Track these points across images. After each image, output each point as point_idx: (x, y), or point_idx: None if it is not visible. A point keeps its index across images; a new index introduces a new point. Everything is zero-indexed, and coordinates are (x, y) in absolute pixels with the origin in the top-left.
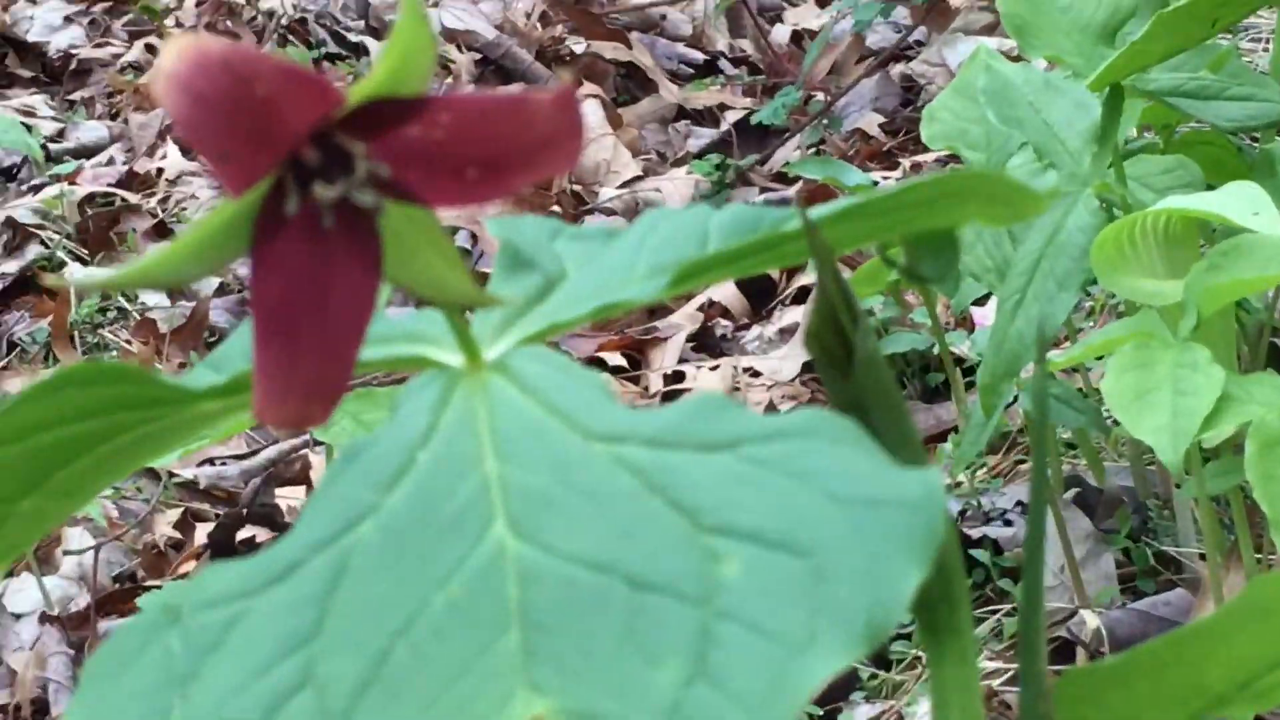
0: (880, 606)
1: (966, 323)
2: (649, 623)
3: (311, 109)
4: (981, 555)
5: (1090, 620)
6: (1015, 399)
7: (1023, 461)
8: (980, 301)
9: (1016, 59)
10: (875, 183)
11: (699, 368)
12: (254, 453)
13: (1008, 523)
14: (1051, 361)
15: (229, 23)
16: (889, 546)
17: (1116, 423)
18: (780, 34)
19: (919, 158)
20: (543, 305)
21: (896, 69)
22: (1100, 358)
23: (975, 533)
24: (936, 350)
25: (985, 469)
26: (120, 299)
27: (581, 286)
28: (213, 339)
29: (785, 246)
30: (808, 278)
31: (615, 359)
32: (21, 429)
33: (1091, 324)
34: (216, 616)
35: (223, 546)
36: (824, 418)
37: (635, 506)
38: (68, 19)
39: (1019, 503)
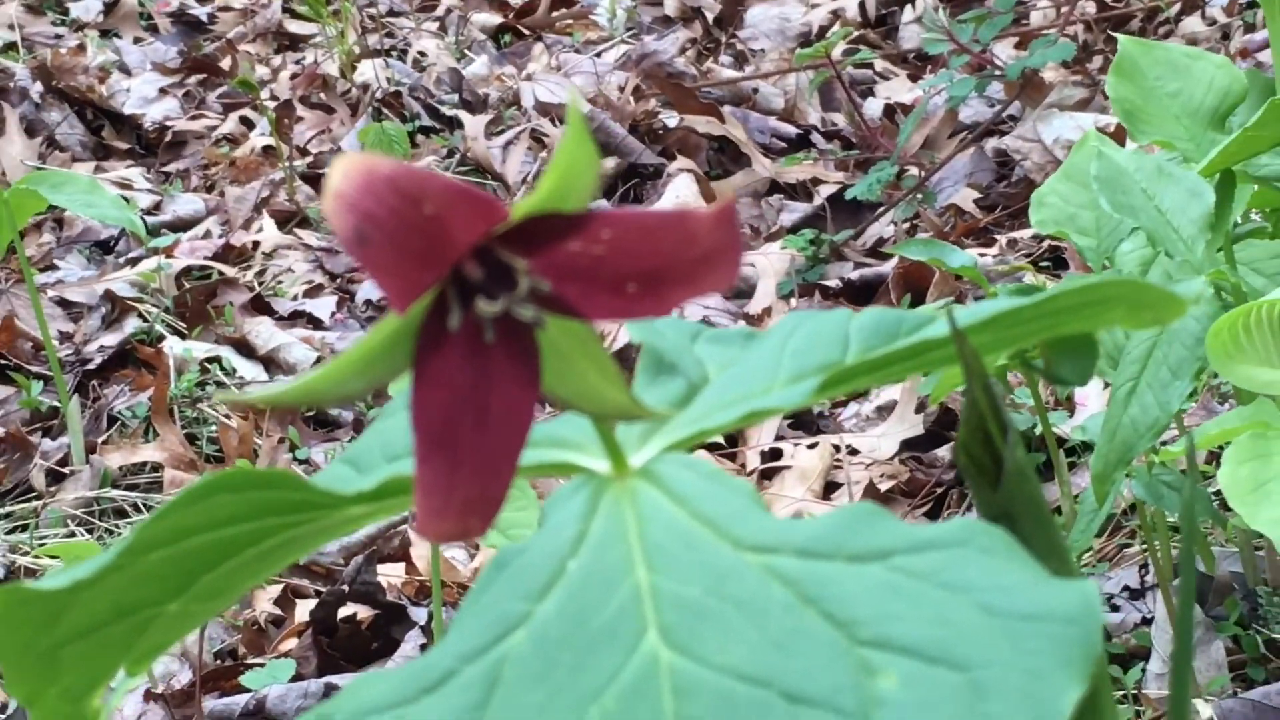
0: None
1: (1068, 403)
2: None
3: (476, 225)
4: None
5: (1204, 710)
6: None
7: (1127, 545)
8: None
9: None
10: (975, 263)
11: (796, 445)
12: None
13: (1114, 608)
14: (1165, 451)
15: (323, 95)
16: (1047, 661)
17: (1228, 509)
18: (872, 108)
19: (1016, 234)
20: (687, 411)
21: (990, 144)
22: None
23: None
24: (1038, 430)
25: (1090, 552)
26: (221, 374)
27: (725, 391)
28: (310, 414)
29: (930, 353)
30: None
31: (713, 437)
32: (173, 533)
33: (1193, 405)
34: None
35: (324, 624)
36: (975, 528)
37: (789, 618)
38: (162, 91)
39: (1125, 587)
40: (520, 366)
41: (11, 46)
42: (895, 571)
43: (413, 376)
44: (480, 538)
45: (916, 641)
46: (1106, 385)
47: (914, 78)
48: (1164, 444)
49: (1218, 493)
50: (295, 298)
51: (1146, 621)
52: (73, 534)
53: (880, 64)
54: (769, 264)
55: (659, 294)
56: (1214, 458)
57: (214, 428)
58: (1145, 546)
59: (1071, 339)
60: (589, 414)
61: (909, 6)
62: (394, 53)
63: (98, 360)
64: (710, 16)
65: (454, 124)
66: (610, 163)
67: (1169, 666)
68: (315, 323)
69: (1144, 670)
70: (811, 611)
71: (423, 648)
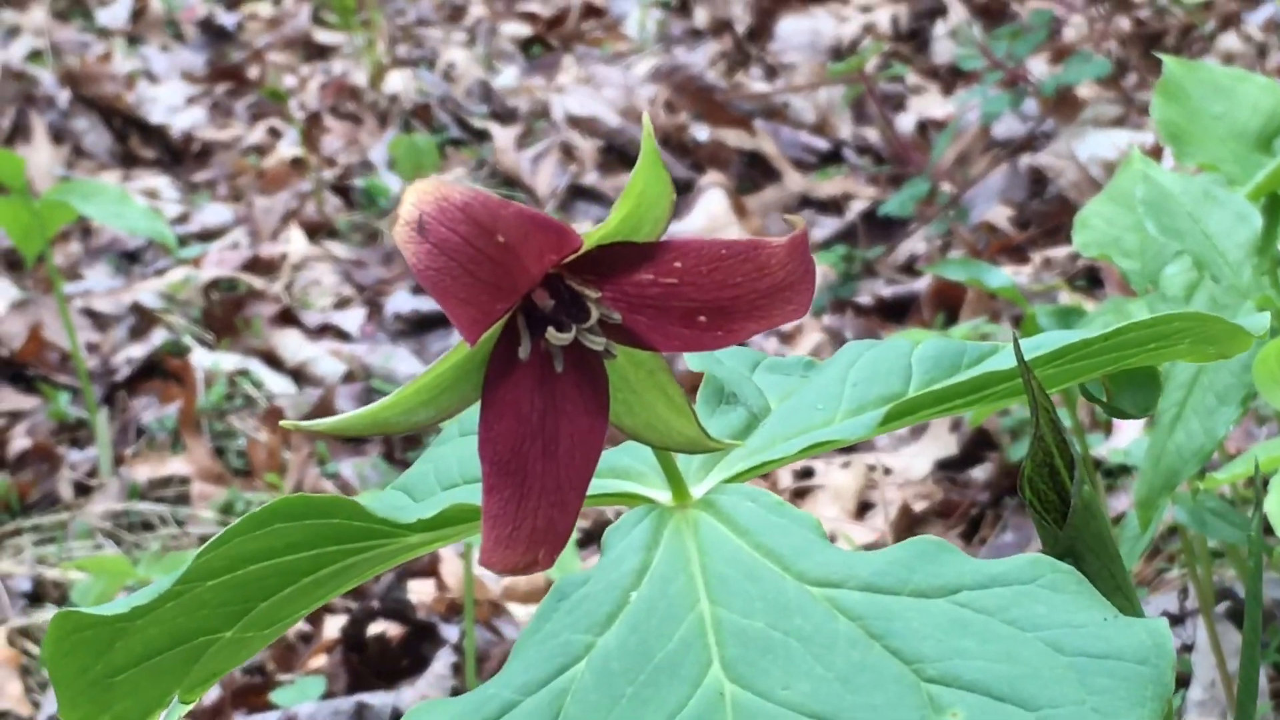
0: None
1: (1105, 425)
2: None
3: (549, 254)
4: None
5: None
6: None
7: (1166, 570)
8: None
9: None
10: (1012, 283)
11: (829, 464)
12: None
13: None
14: (1210, 478)
15: (351, 106)
16: (1118, 701)
17: (1271, 534)
18: (905, 123)
19: (1050, 252)
20: (749, 442)
21: (1024, 160)
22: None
23: None
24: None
25: (1130, 576)
26: (249, 387)
27: (786, 422)
28: None
29: (994, 386)
30: None
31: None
32: (231, 561)
33: (1233, 427)
34: None
35: (354, 641)
36: (1043, 564)
37: (854, 653)
38: (190, 99)
39: (1165, 612)
40: (590, 396)
41: (39, 54)
42: (962, 607)
43: (482, 405)
44: (546, 569)
45: (984, 679)
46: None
47: (947, 92)
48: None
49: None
50: (323, 310)
51: (1187, 648)
52: (100, 546)
53: (913, 78)
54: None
55: (730, 325)
56: (1249, 483)
57: (242, 441)
58: (1184, 571)
59: (1135, 372)
60: (657, 445)
61: (942, 20)
62: (423, 63)
63: (125, 372)
64: (740, 29)
65: (483, 136)
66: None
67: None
68: (343, 335)
69: (1184, 697)
70: (877, 647)
71: (454, 666)
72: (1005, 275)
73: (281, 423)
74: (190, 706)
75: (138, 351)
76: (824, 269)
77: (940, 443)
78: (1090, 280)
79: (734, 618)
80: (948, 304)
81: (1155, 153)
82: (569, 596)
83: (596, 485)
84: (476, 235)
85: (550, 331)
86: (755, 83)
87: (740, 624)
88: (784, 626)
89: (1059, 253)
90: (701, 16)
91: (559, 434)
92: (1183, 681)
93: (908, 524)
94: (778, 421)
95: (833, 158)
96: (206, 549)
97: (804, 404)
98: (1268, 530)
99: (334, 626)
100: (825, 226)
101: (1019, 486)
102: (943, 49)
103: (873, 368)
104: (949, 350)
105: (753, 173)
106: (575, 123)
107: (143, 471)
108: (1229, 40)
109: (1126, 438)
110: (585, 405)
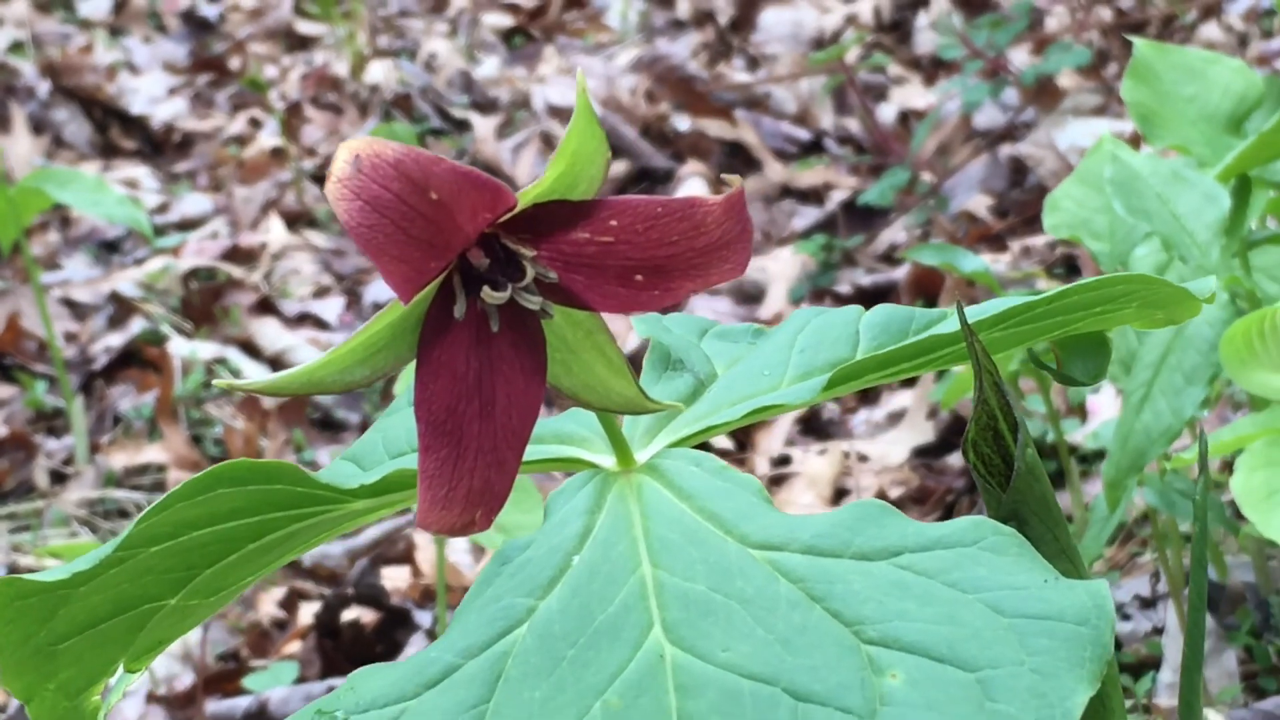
0: None
1: (1080, 411)
2: None
3: (483, 212)
4: None
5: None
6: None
7: (1139, 554)
8: (1095, 390)
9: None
10: (988, 268)
11: (806, 451)
12: (358, 532)
13: (1126, 616)
14: (1178, 458)
15: (332, 96)
16: (1057, 662)
17: (1241, 517)
18: (886, 113)
19: (1028, 240)
20: (694, 407)
21: (1004, 150)
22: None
23: None
24: (1050, 438)
25: (1102, 560)
26: (225, 374)
27: (732, 388)
28: (316, 415)
29: (941, 350)
30: None
31: (722, 441)
32: (173, 526)
33: (1207, 413)
34: None
35: (328, 627)
36: (985, 526)
37: (795, 615)
38: (171, 90)
39: (1136, 596)
40: (526, 356)
41: (20, 45)
42: (903, 570)
43: (417, 365)
44: (483, 531)
45: (924, 640)
46: (1119, 393)
47: (929, 83)
48: (1176, 452)
49: (1232, 501)
50: (302, 299)
51: (1158, 631)
52: (75, 534)
53: (894, 69)
54: (780, 269)
55: (667, 284)
56: (1228, 466)
57: (219, 429)
58: (1157, 556)
59: (1083, 338)
60: (595, 406)
61: (924, 11)
62: (404, 54)
63: (103, 360)
64: (723, 20)
65: (464, 126)
66: (621, 166)
67: (1180, 671)
68: (322, 325)
69: (1155, 680)
70: (818, 609)
71: None
72: (980, 260)
73: (215, 382)
74: (136, 676)
75: (115, 340)
76: (804, 258)
77: (917, 430)
78: (1068, 268)
79: (676, 581)
80: (926, 292)
81: (1135, 141)
82: (511, 560)
83: (541, 450)
84: (409, 192)
85: (486, 290)
86: (737, 73)
87: (682, 587)
88: (725, 589)
89: (1037, 241)
90: (684, 7)
91: (495, 394)
92: (1154, 664)
93: None
94: (724, 387)
95: (814, 148)
96: (148, 513)
97: (751, 370)
98: (1240, 515)
99: (308, 613)
100: (806, 216)
101: (963, 450)
102: (925, 40)
103: (820, 334)
104: (897, 316)
105: (734, 163)
106: (556, 113)
107: (119, 459)
108: (1210, 30)
109: (1101, 422)
110: (522, 365)
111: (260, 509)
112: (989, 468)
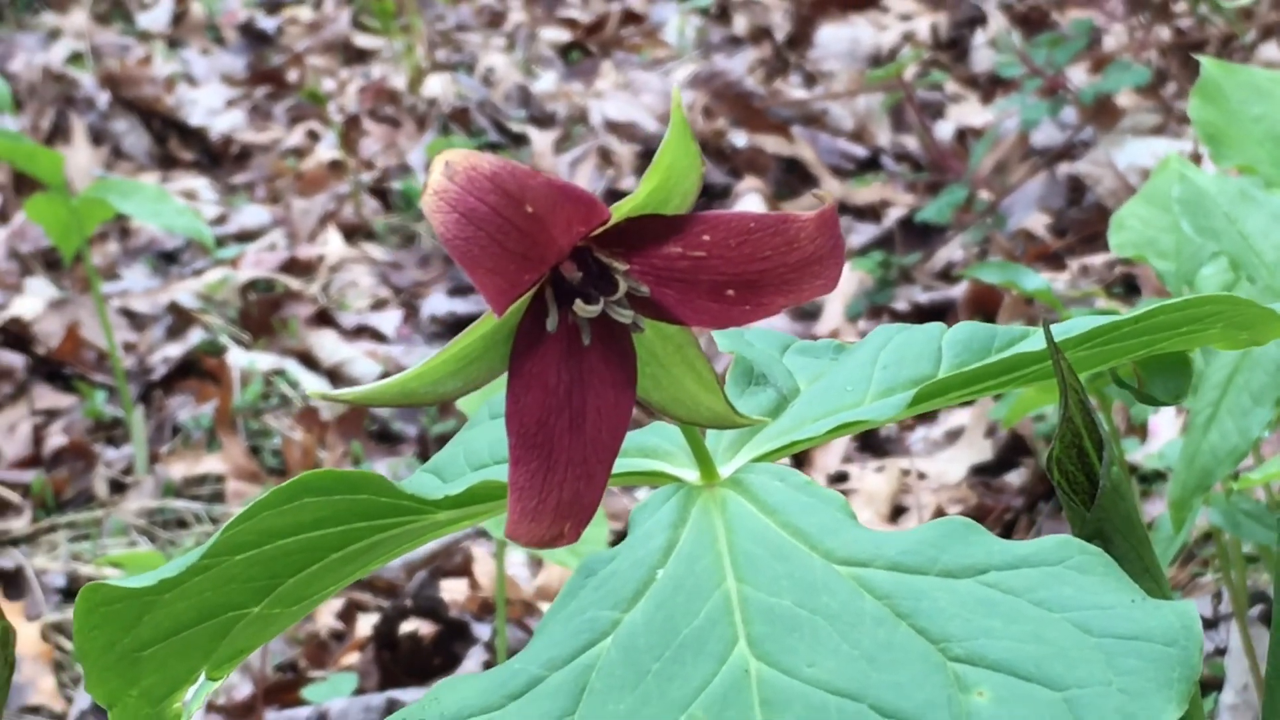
0: None
1: (1140, 431)
2: None
3: (578, 225)
4: None
5: None
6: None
7: (1200, 574)
8: (1156, 410)
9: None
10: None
11: (864, 468)
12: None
13: None
14: (1245, 479)
15: (390, 109)
16: (1146, 682)
17: None
18: (943, 130)
19: (1087, 259)
20: (778, 422)
21: (1062, 169)
22: None
23: None
24: None
25: None
26: (285, 387)
27: (815, 403)
28: (374, 427)
29: (1025, 369)
30: None
31: (780, 460)
32: (258, 535)
33: (1269, 434)
34: None
35: (386, 639)
36: (1071, 545)
37: (880, 632)
38: (229, 102)
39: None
40: (617, 370)
41: (79, 56)
42: (989, 587)
43: (509, 377)
44: (572, 543)
45: (1011, 658)
46: (1179, 413)
47: (986, 101)
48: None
49: None
50: (360, 311)
51: (1219, 652)
52: (134, 543)
53: (951, 86)
54: (838, 286)
55: (759, 299)
56: None
57: (277, 440)
58: (1219, 576)
59: (1166, 358)
60: (684, 421)
61: (981, 29)
62: (462, 68)
63: (161, 371)
64: (780, 37)
65: (521, 140)
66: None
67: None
68: (379, 337)
69: (1217, 701)
70: (904, 626)
71: (485, 664)
72: (1041, 278)
73: (310, 392)
74: (218, 684)
75: (174, 351)
76: (861, 275)
77: (975, 448)
78: (1127, 287)
79: (760, 595)
80: (984, 310)
81: (1195, 160)
82: (596, 573)
83: (625, 464)
84: (505, 205)
85: (578, 304)
86: (794, 90)
87: (766, 602)
88: (810, 605)
89: (1096, 260)
90: (741, 24)
91: (586, 407)
92: (1215, 685)
93: None
94: (807, 403)
95: (871, 165)
96: (234, 522)
97: (833, 386)
98: None
99: (366, 625)
100: (862, 233)
101: (1046, 467)
102: (982, 58)
103: (903, 351)
104: (980, 334)
105: (790, 179)
106: (613, 128)
107: (178, 469)
108: (1269, 50)
109: (1161, 443)
110: (612, 378)
111: (345, 519)
112: (1073, 485)
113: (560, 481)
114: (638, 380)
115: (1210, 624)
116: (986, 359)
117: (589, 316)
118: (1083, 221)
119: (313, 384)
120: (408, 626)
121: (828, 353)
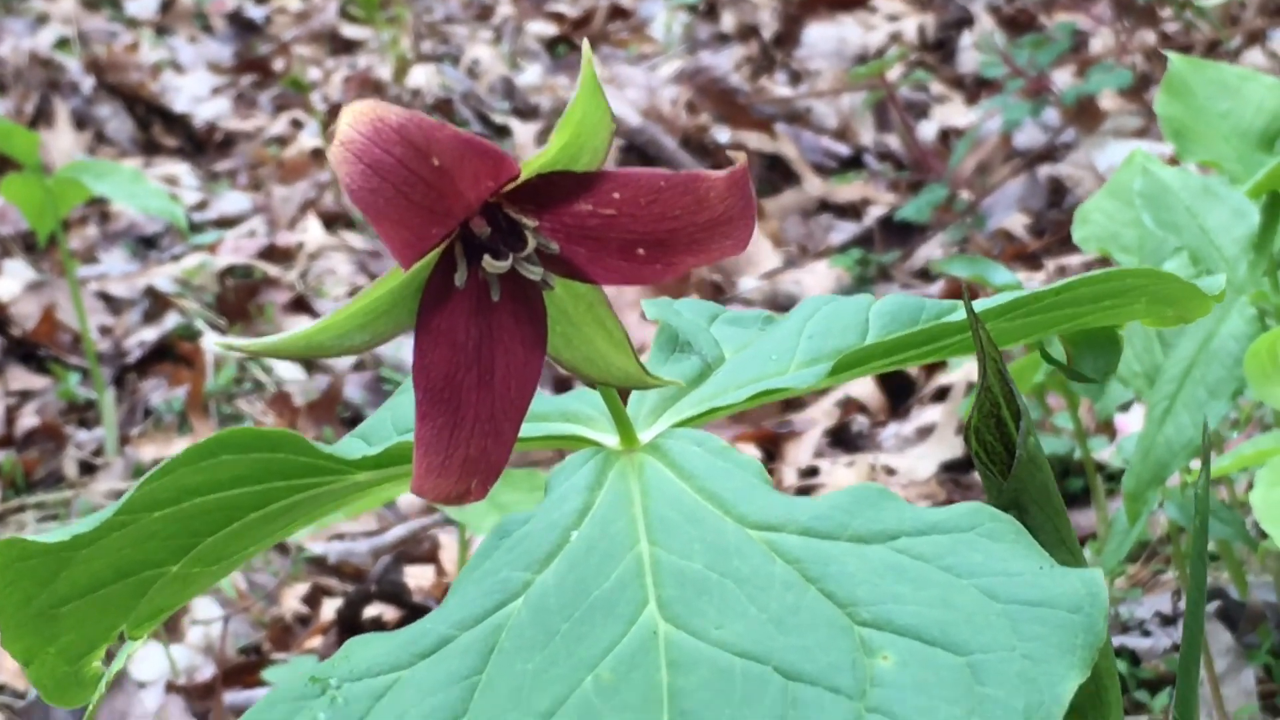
0: (1038, 709)
1: (1108, 429)
2: (802, 715)
3: (486, 180)
4: (1119, 665)
5: None
6: (1160, 506)
7: (1161, 571)
8: (1124, 408)
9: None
10: (1020, 282)
11: (834, 463)
12: (383, 530)
13: (1146, 633)
14: (1197, 471)
15: (375, 99)
16: (1048, 648)
17: (1264, 535)
18: (926, 130)
19: (1064, 260)
20: (700, 389)
21: (1044, 170)
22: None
23: (1114, 643)
24: (1078, 455)
25: (1124, 577)
26: (258, 371)
27: (739, 371)
28: (347, 414)
29: (948, 339)
30: (947, 376)
31: (750, 452)
32: (176, 492)
33: (1236, 434)
34: (364, 689)
35: (350, 623)
36: (982, 513)
37: (789, 596)
38: (214, 90)
39: (1157, 613)
40: (526, 327)
41: (66, 42)
42: (899, 553)
43: (416, 332)
44: (479, 500)
45: (917, 623)
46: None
47: (971, 102)
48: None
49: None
50: (337, 299)
51: (1177, 648)
52: None
53: (937, 87)
54: (815, 282)
55: (669, 259)
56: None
57: (249, 424)
58: (1179, 574)
59: (1094, 334)
60: (595, 380)
61: (968, 31)
62: (447, 59)
63: (136, 354)
64: (767, 35)
65: (504, 131)
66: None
67: (1179, 670)
68: None
69: (1172, 695)
70: (813, 590)
71: None
72: (1011, 274)
73: (216, 341)
74: (139, 643)
75: (150, 335)
76: (839, 272)
77: (945, 444)
78: None
79: (672, 559)
80: None
81: (1172, 163)
82: (510, 535)
83: (545, 428)
84: (411, 157)
85: (487, 259)
86: (779, 87)
87: (678, 565)
88: (721, 568)
89: (1073, 260)
90: (728, 21)
91: (494, 364)
92: (1172, 680)
93: None
94: (731, 371)
95: (853, 163)
96: (150, 477)
97: (759, 355)
98: (1261, 533)
99: (331, 609)
100: (843, 230)
101: (964, 437)
102: (968, 59)
103: (830, 321)
104: (908, 306)
105: (772, 176)
106: None
107: (148, 452)
108: (1254, 56)
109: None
110: (522, 336)
111: (263, 477)
112: (990, 455)
113: (467, 438)
114: (549, 338)
115: (1169, 620)
116: (911, 329)
117: (498, 273)
118: (1061, 223)
119: (286, 370)
120: (372, 611)
121: (756, 323)
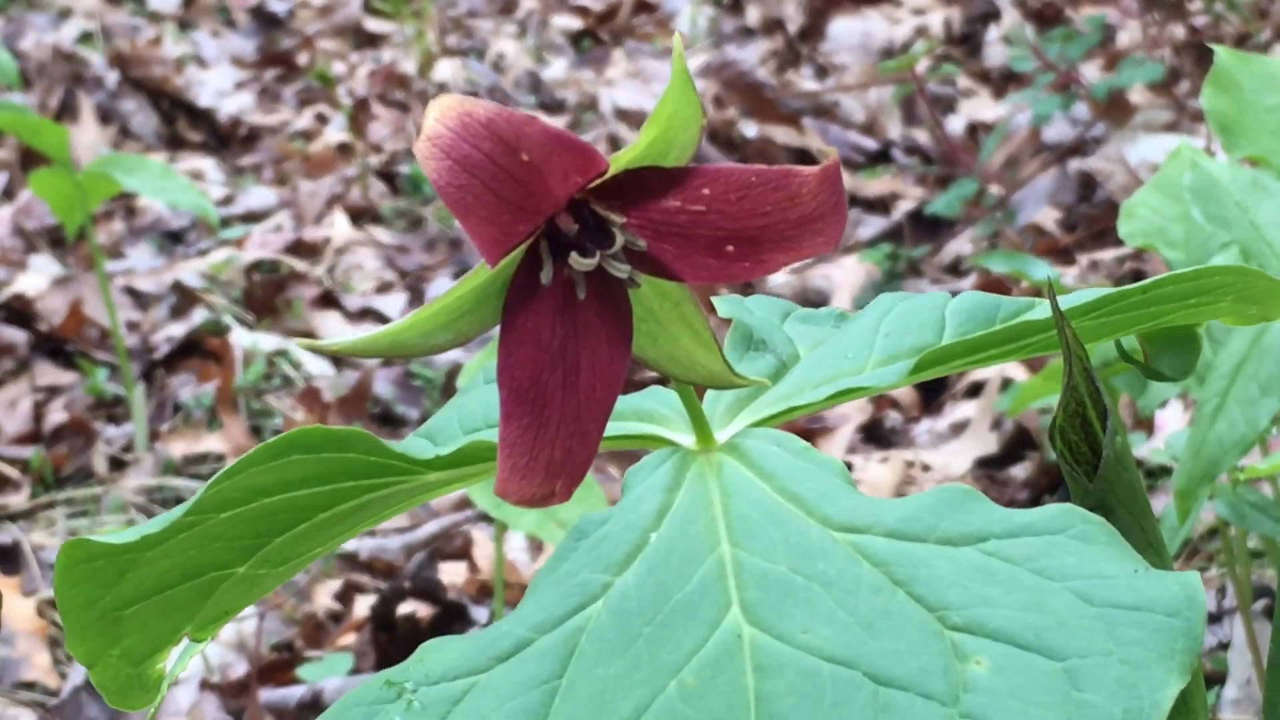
0: (1138, 716)
1: (1147, 425)
2: None
3: (575, 176)
4: None
5: None
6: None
7: (1204, 569)
8: (1162, 405)
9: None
10: (1058, 278)
11: (868, 459)
12: (416, 526)
13: None
14: (1251, 468)
15: (399, 94)
16: (1147, 653)
17: None
18: (955, 124)
19: (1096, 254)
20: (776, 388)
21: (1074, 164)
22: None
23: None
24: None
25: None
26: (287, 367)
27: (815, 370)
28: (376, 410)
29: (1030, 337)
30: (981, 372)
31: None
32: (244, 493)
33: (1275, 432)
34: (441, 693)
35: (383, 620)
36: (1074, 514)
37: (877, 599)
38: (238, 84)
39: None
40: (612, 325)
41: (89, 36)
42: (989, 556)
43: (501, 331)
44: (563, 502)
45: (1010, 628)
46: (1186, 408)
47: (998, 96)
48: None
49: None
50: (365, 294)
51: (1223, 646)
52: (132, 521)
53: (964, 81)
54: (845, 277)
55: (759, 256)
56: None
57: (279, 420)
58: (1224, 571)
59: (1174, 332)
60: (680, 379)
61: (994, 24)
62: (472, 53)
63: (164, 349)
64: (792, 29)
65: None
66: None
67: (1268, 670)
68: (384, 320)
69: (1219, 695)
70: (901, 593)
71: None
72: (1048, 268)
73: (298, 341)
74: (203, 645)
75: (177, 330)
76: (869, 267)
77: (980, 440)
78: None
79: (755, 560)
80: None
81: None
82: (588, 536)
83: (620, 427)
84: (500, 152)
85: (573, 257)
86: (805, 81)
87: (761, 567)
88: (806, 571)
89: (1106, 255)
90: (753, 15)
91: (580, 363)
92: (1218, 679)
93: None
94: (806, 369)
95: (881, 157)
96: (219, 478)
97: (834, 353)
98: None
99: (364, 606)
100: (872, 225)
101: (1049, 436)
102: (995, 53)
103: (906, 319)
104: (984, 304)
105: None
106: (622, 115)
107: (178, 448)
108: None
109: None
110: (607, 334)
111: (333, 478)
112: (1076, 455)
113: (552, 439)
114: (633, 337)
115: (1215, 618)
116: (991, 328)
117: (584, 270)
118: (1093, 217)
119: (315, 365)
120: (405, 608)
121: (829, 320)
